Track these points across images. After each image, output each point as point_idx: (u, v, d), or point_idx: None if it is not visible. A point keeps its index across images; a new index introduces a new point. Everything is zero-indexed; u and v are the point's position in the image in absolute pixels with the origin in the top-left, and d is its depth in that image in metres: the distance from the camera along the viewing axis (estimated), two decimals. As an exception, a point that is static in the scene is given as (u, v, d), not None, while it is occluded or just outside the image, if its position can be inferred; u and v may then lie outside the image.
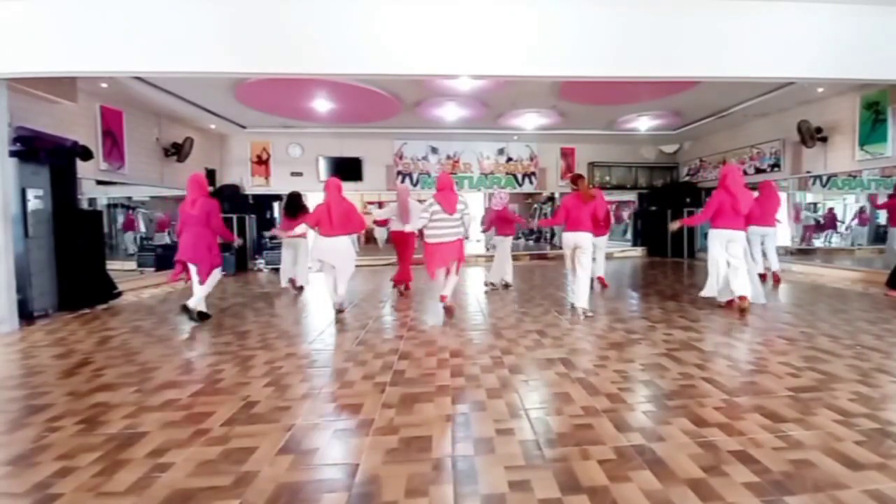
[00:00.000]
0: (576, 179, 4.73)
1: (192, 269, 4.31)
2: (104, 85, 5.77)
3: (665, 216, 9.12)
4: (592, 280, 5.52)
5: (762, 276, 5.96)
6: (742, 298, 4.28)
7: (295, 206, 5.83)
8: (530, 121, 8.24)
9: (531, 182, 10.28)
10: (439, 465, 1.72)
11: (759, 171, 8.31)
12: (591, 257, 4.66)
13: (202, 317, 4.32)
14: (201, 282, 4.30)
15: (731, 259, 4.43)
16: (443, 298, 4.48)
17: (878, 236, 10.38)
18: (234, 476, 1.66)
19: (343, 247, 4.51)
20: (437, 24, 4.00)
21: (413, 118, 8.00)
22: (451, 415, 2.15)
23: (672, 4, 4.10)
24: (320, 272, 4.75)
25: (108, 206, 8.92)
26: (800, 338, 3.39)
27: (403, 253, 5.84)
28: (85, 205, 6.68)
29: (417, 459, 1.75)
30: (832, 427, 1.97)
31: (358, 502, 1.51)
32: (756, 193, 5.91)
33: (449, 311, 4.44)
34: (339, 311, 4.50)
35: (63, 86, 5.03)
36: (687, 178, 10.31)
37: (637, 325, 3.87)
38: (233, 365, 2.97)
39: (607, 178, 10.58)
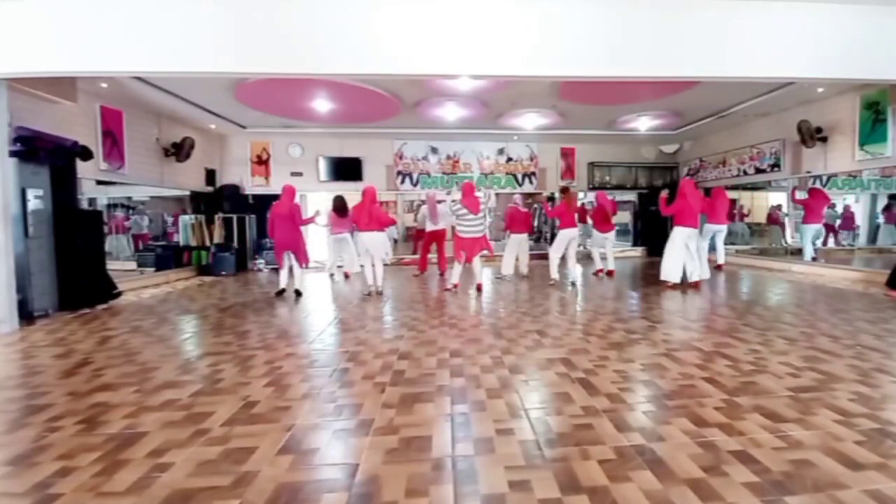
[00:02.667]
0: (564, 191, 6.72)
1: (288, 258, 5.71)
2: (104, 85, 5.77)
3: (665, 217, 9.13)
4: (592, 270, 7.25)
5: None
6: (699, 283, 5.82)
7: (342, 207, 6.81)
8: (530, 121, 8.22)
9: (531, 182, 10.27)
10: (439, 465, 1.72)
11: (759, 171, 8.31)
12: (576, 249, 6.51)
13: (298, 294, 5.68)
14: (301, 264, 5.79)
15: (691, 249, 5.77)
16: (456, 286, 5.86)
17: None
18: (234, 476, 1.66)
19: (379, 239, 5.76)
20: (437, 24, 4.00)
21: (413, 118, 8.00)
22: (451, 415, 2.16)
23: (672, 4, 4.10)
24: (363, 263, 5.97)
25: (108, 206, 8.93)
26: (800, 338, 3.39)
27: (439, 247, 7.58)
28: (85, 205, 6.69)
29: (417, 459, 1.75)
30: (832, 427, 1.97)
31: (358, 502, 1.51)
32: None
33: (478, 288, 5.76)
34: (379, 292, 5.73)
35: (63, 86, 5.03)
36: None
37: (637, 325, 3.87)
38: (233, 365, 2.97)
39: (607, 178, 10.57)
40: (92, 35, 3.83)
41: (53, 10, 3.82)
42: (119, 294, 5.57)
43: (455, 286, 5.79)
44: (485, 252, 5.93)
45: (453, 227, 6.46)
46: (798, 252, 9.89)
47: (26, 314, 4.39)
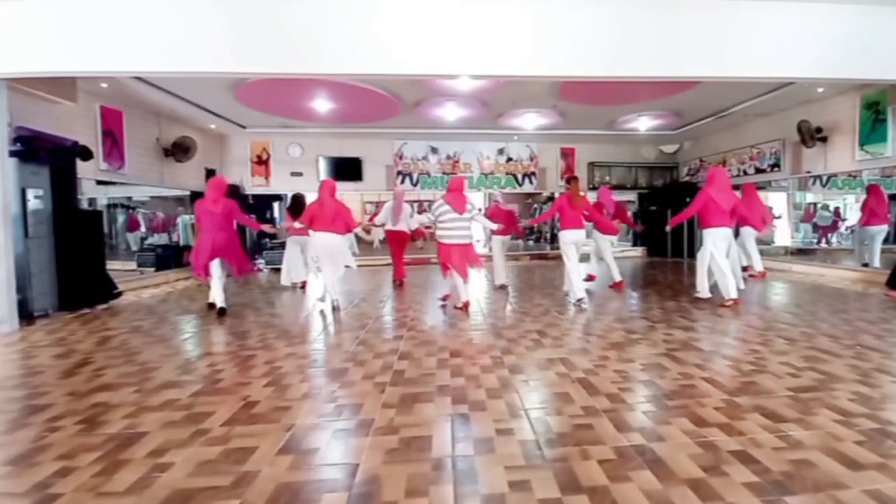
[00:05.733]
0: (570, 181, 5.10)
1: (222, 266, 4.75)
2: (104, 85, 5.77)
3: (665, 216, 9.11)
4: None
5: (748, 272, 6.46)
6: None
7: (299, 206, 5.95)
8: (530, 121, 8.23)
9: (531, 182, 10.28)
10: (439, 465, 1.72)
11: (759, 170, 8.31)
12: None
13: (222, 313, 4.58)
14: (244, 272, 4.95)
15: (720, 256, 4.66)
16: (466, 305, 4.58)
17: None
18: (234, 476, 1.66)
19: (337, 242, 4.73)
20: (437, 24, 4.00)
21: (413, 118, 8.00)
22: (451, 415, 2.16)
23: (672, 4, 4.10)
24: (319, 270, 4.97)
25: (108, 206, 8.95)
26: (800, 338, 3.39)
27: (396, 251, 6.53)
28: (85, 205, 6.69)
29: (417, 459, 1.75)
30: (832, 427, 1.97)
31: (358, 502, 1.51)
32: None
33: (465, 307, 4.58)
34: (335, 307, 4.72)
35: (63, 86, 5.03)
36: (687, 178, 10.31)
37: (637, 325, 3.86)
38: (233, 365, 2.97)
39: (607, 178, 10.58)
40: (92, 35, 3.83)
41: (53, 10, 3.82)
42: (119, 294, 5.56)
43: (465, 305, 4.57)
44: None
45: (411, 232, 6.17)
46: (798, 252, 9.91)
47: (26, 314, 4.39)
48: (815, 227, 10.61)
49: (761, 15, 4.13)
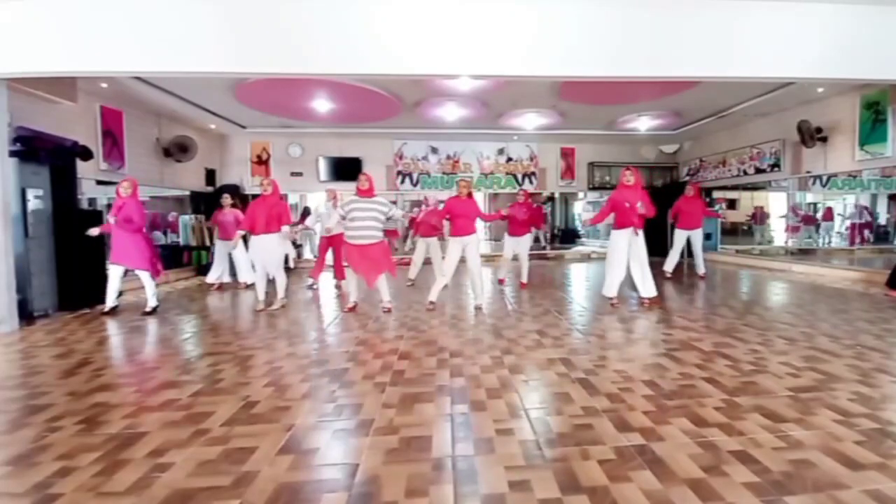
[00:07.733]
0: (463, 184, 4.88)
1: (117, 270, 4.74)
2: (104, 85, 5.77)
3: (665, 216, 9.10)
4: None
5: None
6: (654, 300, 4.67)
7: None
8: (530, 121, 8.23)
9: (531, 182, 10.27)
10: (439, 465, 1.72)
11: (759, 170, 8.31)
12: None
13: (151, 312, 4.70)
14: (153, 275, 4.89)
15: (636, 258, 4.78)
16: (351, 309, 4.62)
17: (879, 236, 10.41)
18: (234, 476, 1.66)
19: (274, 244, 4.80)
20: (437, 24, 3.99)
21: (413, 118, 8.00)
22: (451, 415, 2.16)
23: (672, 4, 4.09)
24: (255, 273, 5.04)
25: (109, 206, 8.95)
26: (800, 338, 3.39)
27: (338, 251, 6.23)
28: (85, 205, 6.69)
29: (417, 459, 1.75)
30: (832, 427, 1.97)
31: (358, 502, 1.51)
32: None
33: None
34: (283, 305, 4.88)
35: (63, 86, 5.03)
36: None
37: (637, 325, 3.87)
38: (233, 365, 2.97)
39: (607, 178, 10.58)
40: (92, 35, 3.82)
41: (53, 10, 3.82)
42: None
43: (354, 306, 4.71)
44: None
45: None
46: (799, 252, 9.92)
47: (26, 314, 4.39)
48: (853, 227, 10.59)
49: (761, 15, 4.13)
